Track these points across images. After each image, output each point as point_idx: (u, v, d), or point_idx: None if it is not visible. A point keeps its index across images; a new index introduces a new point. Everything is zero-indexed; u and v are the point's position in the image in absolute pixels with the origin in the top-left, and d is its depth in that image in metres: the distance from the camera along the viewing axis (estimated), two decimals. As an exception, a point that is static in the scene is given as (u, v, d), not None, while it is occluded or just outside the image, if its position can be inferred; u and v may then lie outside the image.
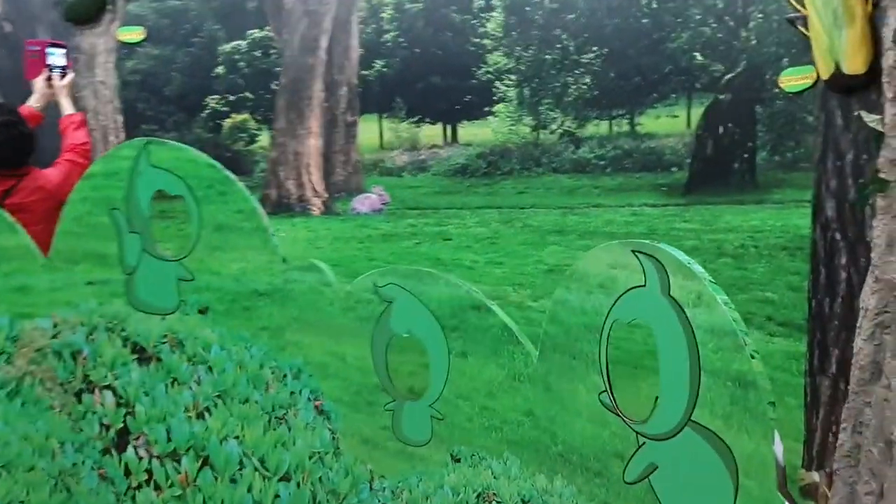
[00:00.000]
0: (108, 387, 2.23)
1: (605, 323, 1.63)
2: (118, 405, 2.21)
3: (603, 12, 2.70)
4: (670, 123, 2.68)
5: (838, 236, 2.10)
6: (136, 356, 2.26)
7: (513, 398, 1.83)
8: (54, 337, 2.31)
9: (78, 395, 2.25)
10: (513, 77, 2.86)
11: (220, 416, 2.12)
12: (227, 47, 3.29)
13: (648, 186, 2.70)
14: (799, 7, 2.05)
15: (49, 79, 3.12)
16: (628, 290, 1.58)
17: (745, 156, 2.56)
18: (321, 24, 3.15)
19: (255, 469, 2.06)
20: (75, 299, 2.36)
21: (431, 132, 3.08)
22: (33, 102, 3.10)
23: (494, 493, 1.83)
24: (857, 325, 1.98)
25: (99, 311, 2.34)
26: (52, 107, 3.12)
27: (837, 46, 1.95)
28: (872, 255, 1.94)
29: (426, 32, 3.02)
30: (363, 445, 2.06)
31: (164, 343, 2.25)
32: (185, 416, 2.14)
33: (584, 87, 2.77)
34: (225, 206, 2.19)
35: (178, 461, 2.09)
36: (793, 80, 2.23)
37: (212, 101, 3.30)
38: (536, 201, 2.85)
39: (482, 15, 2.90)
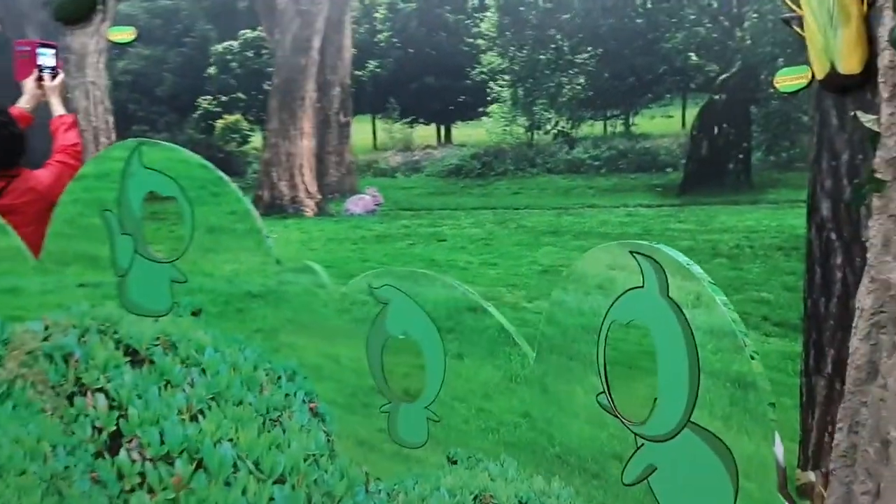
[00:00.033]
0: (100, 389, 2.22)
1: (603, 324, 1.63)
2: (111, 408, 2.20)
3: (597, 12, 2.70)
4: (665, 124, 2.68)
5: (833, 236, 2.10)
6: (128, 359, 2.25)
7: (509, 400, 1.83)
8: (45, 339, 2.30)
9: (70, 397, 2.24)
10: (507, 77, 2.86)
11: (214, 418, 2.11)
12: (218, 47, 3.27)
13: (643, 187, 2.70)
14: (794, 7, 2.05)
15: (39, 79, 3.10)
16: (626, 291, 1.58)
17: (740, 156, 2.55)
18: (314, 24, 3.14)
19: (250, 472, 2.05)
20: (67, 301, 2.35)
21: (425, 133, 3.07)
22: (23, 103, 3.08)
23: (491, 496, 1.83)
24: (853, 324, 1.98)
25: (91, 313, 2.33)
26: (42, 107, 3.10)
27: (833, 46, 1.95)
28: (868, 255, 1.94)
29: (420, 32, 3.01)
30: (359, 447, 2.05)
31: (157, 345, 2.24)
32: (178, 418, 2.13)
33: (579, 87, 2.76)
34: (218, 208, 2.18)
35: (172, 464, 2.08)
36: (788, 80, 2.23)
37: (203, 101, 3.28)
38: (531, 202, 2.84)
39: (476, 15, 2.89)
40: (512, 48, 2.84)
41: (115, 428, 2.17)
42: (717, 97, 2.56)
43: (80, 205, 2.33)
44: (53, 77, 3.13)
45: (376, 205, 3.09)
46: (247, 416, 2.11)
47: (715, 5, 2.54)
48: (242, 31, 3.23)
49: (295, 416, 2.11)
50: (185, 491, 2.06)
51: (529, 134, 2.86)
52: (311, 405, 2.12)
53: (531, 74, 2.83)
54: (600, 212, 2.73)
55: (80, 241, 2.34)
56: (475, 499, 1.85)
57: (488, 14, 2.88)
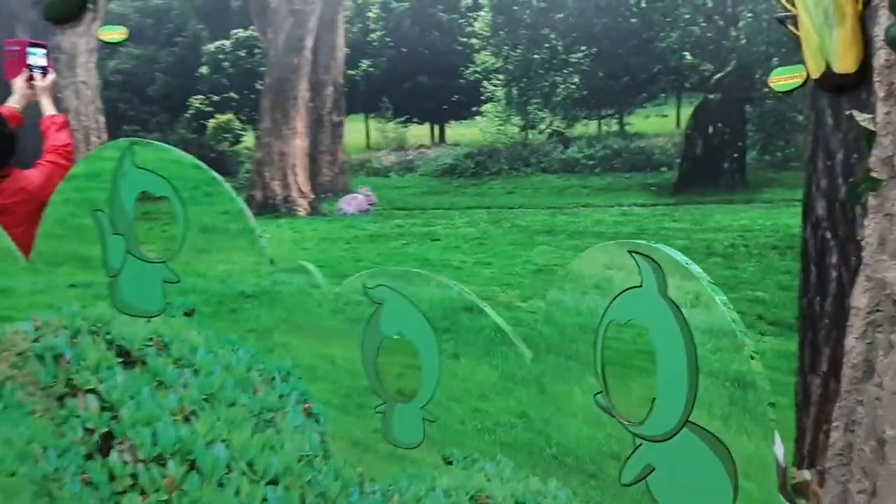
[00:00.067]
0: (91, 391, 2.20)
1: (600, 324, 1.62)
2: (102, 409, 2.18)
3: (591, 11, 2.70)
4: (660, 123, 2.68)
5: (829, 235, 2.10)
6: (120, 359, 2.24)
7: (506, 400, 1.82)
8: (36, 340, 2.29)
9: (61, 399, 2.22)
10: (501, 76, 2.85)
11: (207, 419, 2.10)
12: (210, 47, 3.25)
13: (638, 186, 2.70)
14: (789, 6, 2.05)
15: (30, 79, 3.08)
16: (624, 290, 1.57)
17: (735, 155, 2.56)
18: (306, 24, 3.13)
19: (243, 473, 2.04)
20: (58, 302, 2.33)
21: (419, 132, 3.07)
22: (13, 103, 3.05)
23: (487, 496, 1.82)
24: (849, 323, 1.99)
25: (82, 313, 2.31)
26: (32, 107, 3.08)
27: (828, 45, 1.95)
28: (864, 253, 1.94)
29: (413, 32, 3.00)
30: (353, 448, 2.04)
31: (150, 346, 2.22)
32: (171, 419, 2.12)
33: (573, 86, 2.76)
34: (211, 207, 2.17)
35: (164, 465, 2.07)
36: (782, 79, 2.23)
37: (195, 101, 3.27)
38: (525, 201, 2.84)
39: (469, 14, 2.89)
40: (506, 47, 2.84)
41: (106, 429, 2.15)
42: (711, 96, 2.56)
43: (71, 205, 2.31)
44: (44, 76, 3.11)
45: (370, 204, 3.08)
46: (240, 416, 2.10)
47: (710, 4, 2.55)
48: (234, 31, 3.22)
49: (289, 416, 2.10)
50: (177, 492, 2.05)
51: (524, 133, 2.86)
52: (306, 406, 2.10)
53: (525, 74, 2.82)
54: (595, 211, 2.73)
55: (71, 242, 2.32)
56: (471, 499, 1.84)
57: (482, 13, 2.87)
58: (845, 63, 1.94)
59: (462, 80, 2.89)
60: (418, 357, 1.93)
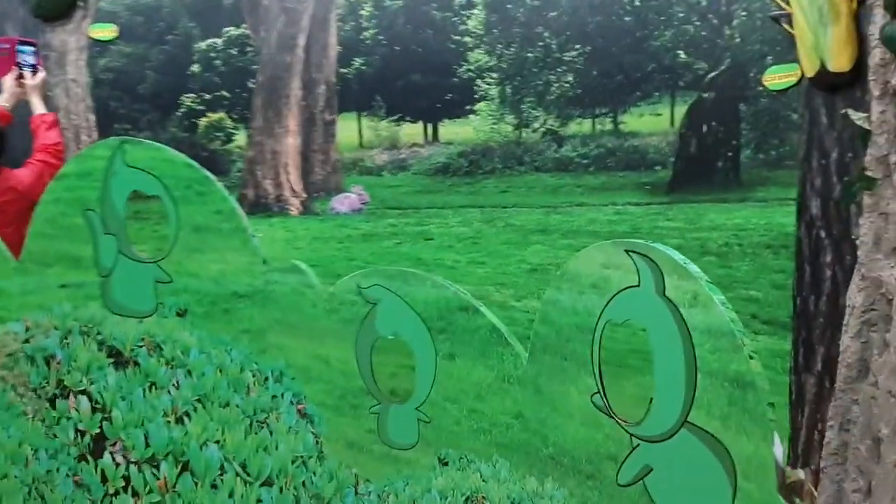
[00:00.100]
0: (83, 392, 2.19)
1: (597, 323, 1.61)
2: (94, 410, 2.17)
3: (585, 10, 2.70)
4: (654, 122, 2.68)
5: (823, 234, 2.11)
6: (112, 360, 2.22)
7: (502, 400, 1.81)
8: (27, 341, 2.27)
9: (52, 400, 2.20)
10: (494, 75, 2.85)
11: (200, 420, 2.09)
12: (202, 45, 3.24)
13: (632, 185, 2.70)
14: (783, 5, 2.05)
15: (19, 77, 3.05)
16: (622, 290, 1.56)
17: (729, 154, 2.56)
18: (299, 22, 3.12)
19: (237, 474, 2.03)
20: (48, 302, 2.31)
21: (412, 131, 3.06)
22: (3, 101, 3.02)
23: (483, 497, 1.81)
24: (844, 322, 1.99)
25: (73, 314, 2.29)
26: (22, 106, 3.06)
27: (822, 44, 1.95)
28: (859, 252, 1.94)
29: (406, 30, 3.00)
30: (348, 449, 2.03)
31: (142, 346, 2.21)
32: (163, 420, 2.10)
33: (567, 85, 2.76)
34: (203, 207, 2.15)
35: (157, 467, 2.06)
36: (777, 78, 2.23)
37: (187, 99, 3.26)
38: (519, 200, 2.84)
39: (463, 12, 2.88)
40: (499, 46, 2.84)
41: (98, 431, 2.14)
42: (705, 95, 2.57)
43: (61, 204, 2.29)
44: (34, 75, 3.08)
45: (362, 203, 3.07)
46: (233, 417, 2.08)
47: (704, 3, 2.55)
48: (226, 29, 3.21)
49: (282, 417, 2.09)
50: (170, 494, 2.03)
51: (517, 132, 2.85)
52: (300, 407, 2.09)
53: (519, 72, 2.82)
54: (589, 210, 2.73)
55: (61, 241, 2.30)
56: (467, 500, 1.83)
57: (475, 11, 2.87)
58: (840, 61, 1.94)
59: (455, 79, 2.89)
60: (413, 357, 1.92)
